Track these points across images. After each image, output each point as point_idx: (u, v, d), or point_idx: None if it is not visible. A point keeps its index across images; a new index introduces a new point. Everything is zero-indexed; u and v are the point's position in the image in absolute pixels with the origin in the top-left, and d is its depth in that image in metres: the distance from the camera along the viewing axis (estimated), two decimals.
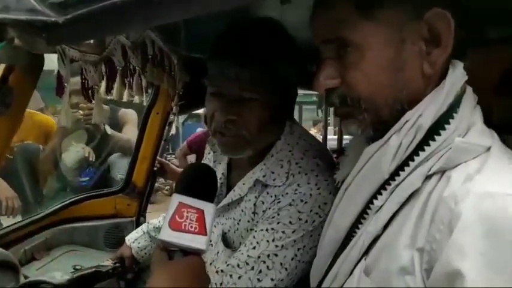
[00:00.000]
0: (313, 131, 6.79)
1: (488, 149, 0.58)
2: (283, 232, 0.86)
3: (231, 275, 0.86)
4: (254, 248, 0.87)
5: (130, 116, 2.75)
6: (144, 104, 1.68)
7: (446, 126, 0.58)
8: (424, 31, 0.59)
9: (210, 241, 1.03)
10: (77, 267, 1.38)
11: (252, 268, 0.85)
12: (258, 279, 0.85)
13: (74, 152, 2.50)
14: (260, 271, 0.85)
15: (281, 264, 0.85)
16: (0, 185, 2.17)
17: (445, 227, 0.51)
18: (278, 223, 0.87)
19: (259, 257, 0.86)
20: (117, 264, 1.38)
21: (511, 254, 0.47)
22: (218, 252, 1.02)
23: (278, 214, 0.88)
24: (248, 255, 0.87)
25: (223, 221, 1.04)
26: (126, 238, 1.48)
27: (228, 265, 0.88)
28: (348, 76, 0.63)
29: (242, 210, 0.98)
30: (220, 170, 1.10)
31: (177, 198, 0.70)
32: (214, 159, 1.14)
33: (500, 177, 0.53)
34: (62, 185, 2.67)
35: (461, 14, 0.60)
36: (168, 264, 0.68)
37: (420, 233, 0.54)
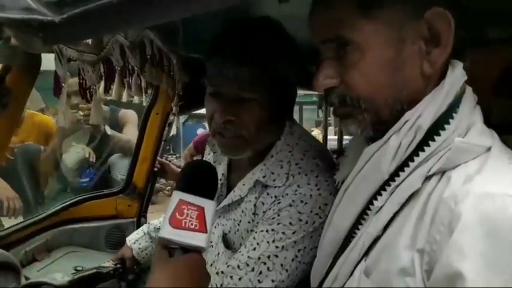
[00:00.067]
0: (316, 132, 6.80)
1: (489, 149, 0.57)
2: (283, 233, 0.86)
3: (231, 276, 0.86)
4: (254, 249, 0.87)
5: (130, 116, 2.75)
6: (144, 104, 1.67)
7: (446, 126, 0.58)
8: (424, 30, 0.59)
9: (211, 242, 1.03)
10: (78, 268, 1.39)
11: (253, 269, 0.85)
12: (259, 281, 0.84)
13: (75, 152, 2.51)
14: (260, 272, 0.85)
15: (281, 265, 0.85)
16: (1, 186, 2.17)
17: (445, 228, 0.51)
18: (278, 224, 0.87)
19: (259, 258, 0.85)
20: (118, 265, 1.38)
21: (511, 254, 0.46)
22: (218, 253, 1.02)
23: (278, 215, 0.88)
24: (248, 257, 0.86)
25: (224, 222, 1.03)
26: (127, 239, 1.48)
27: (228, 266, 0.87)
28: (347, 76, 0.62)
29: (242, 211, 0.98)
30: (220, 171, 1.09)
31: (178, 196, 0.69)
32: (214, 160, 1.14)
33: (500, 178, 0.53)
34: (63, 186, 2.68)
35: (461, 14, 0.60)
36: (168, 261, 0.67)
37: (420, 233, 0.54)
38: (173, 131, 1.97)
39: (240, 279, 0.85)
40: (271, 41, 0.90)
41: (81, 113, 2.35)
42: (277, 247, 0.85)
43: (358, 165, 0.65)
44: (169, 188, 5.74)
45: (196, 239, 0.67)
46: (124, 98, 1.19)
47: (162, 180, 5.24)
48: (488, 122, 0.62)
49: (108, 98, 1.19)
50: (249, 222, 0.96)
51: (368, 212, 0.63)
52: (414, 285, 0.53)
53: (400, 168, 0.59)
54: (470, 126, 0.59)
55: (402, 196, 0.58)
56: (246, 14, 1.01)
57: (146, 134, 1.79)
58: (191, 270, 0.66)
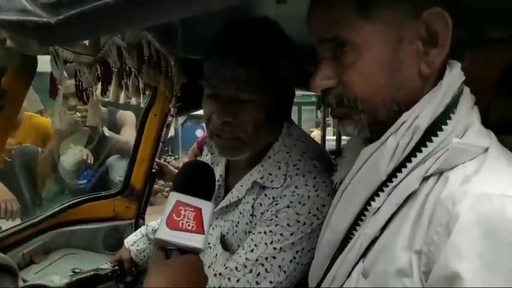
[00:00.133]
0: (315, 132, 6.79)
1: (486, 149, 0.57)
2: (281, 234, 0.86)
3: (229, 278, 0.85)
4: (252, 250, 0.86)
5: (128, 117, 2.75)
6: (142, 105, 1.67)
7: (443, 127, 0.58)
8: (421, 30, 0.59)
9: (209, 243, 1.03)
10: (76, 270, 1.38)
11: (251, 271, 0.85)
12: (257, 282, 0.84)
13: (72, 154, 2.51)
14: (258, 274, 0.84)
15: (279, 266, 0.85)
16: None
17: (443, 229, 0.51)
18: (276, 225, 0.87)
19: (257, 259, 0.85)
20: (116, 267, 1.37)
21: (509, 255, 0.46)
22: (216, 255, 1.02)
23: (276, 216, 0.88)
24: (246, 258, 0.86)
25: (222, 223, 1.03)
26: (125, 241, 1.47)
27: (226, 268, 0.87)
28: (344, 76, 0.62)
29: (240, 213, 0.98)
30: (218, 172, 1.09)
31: (175, 197, 0.69)
32: (212, 161, 1.14)
33: (497, 178, 0.53)
34: (61, 188, 2.68)
35: (460, 14, 0.60)
36: (165, 263, 0.67)
37: (418, 234, 0.54)
38: (171, 132, 1.97)
39: (238, 281, 0.84)
40: (269, 42, 0.90)
41: (79, 115, 2.35)
42: (275, 248, 0.85)
43: (356, 166, 0.65)
44: (167, 189, 5.73)
45: (193, 240, 0.66)
46: (121, 100, 1.19)
47: (161, 182, 5.24)
48: (486, 122, 0.62)
49: (106, 99, 1.19)
50: (246, 223, 0.96)
51: (366, 212, 0.63)
52: (412, 286, 0.53)
53: (398, 169, 0.59)
54: (467, 127, 0.59)
55: (400, 197, 0.58)
56: (244, 14, 1.01)
57: (144, 135, 1.78)
58: (188, 271, 0.66)
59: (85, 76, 1.01)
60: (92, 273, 1.28)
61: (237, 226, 0.98)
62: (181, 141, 9.22)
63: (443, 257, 0.49)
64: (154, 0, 0.48)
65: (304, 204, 0.87)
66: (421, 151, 0.58)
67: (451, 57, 0.61)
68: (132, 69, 1.14)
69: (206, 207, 0.69)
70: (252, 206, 0.95)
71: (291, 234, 0.86)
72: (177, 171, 2.06)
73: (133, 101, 1.27)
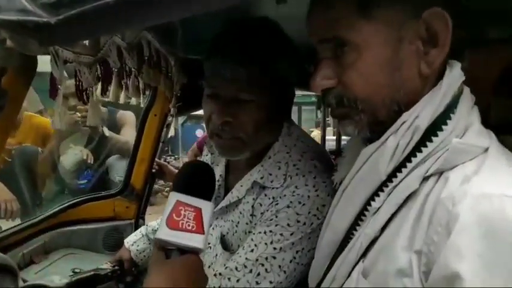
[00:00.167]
0: (316, 132, 6.79)
1: (486, 149, 0.57)
2: (281, 234, 0.86)
3: (229, 278, 0.85)
4: (252, 250, 0.86)
5: (128, 117, 2.75)
6: (142, 105, 1.67)
7: (443, 127, 0.58)
8: (421, 30, 0.59)
9: (209, 243, 1.03)
10: (76, 270, 1.38)
11: (251, 271, 0.85)
12: (257, 282, 0.84)
13: (72, 154, 2.51)
14: (258, 274, 0.84)
15: (279, 266, 0.85)
16: None
17: (443, 229, 0.51)
18: (276, 225, 0.87)
19: (257, 259, 0.85)
20: (116, 267, 1.37)
21: (509, 255, 0.46)
22: (216, 255, 1.02)
23: (276, 216, 0.88)
24: (246, 258, 0.86)
25: (222, 223, 1.03)
26: (125, 241, 1.47)
27: (226, 268, 0.87)
28: (344, 76, 0.62)
29: (240, 213, 0.98)
30: (218, 172, 1.09)
31: (175, 197, 0.69)
32: (212, 161, 1.14)
33: (497, 178, 0.53)
34: (61, 188, 2.68)
35: (460, 14, 0.60)
36: (165, 263, 0.67)
37: (418, 234, 0.54)
38: (171, 132, 1.97)
39: (238, 281, 0.84)
40: (269, 42, 0.90)
41: (79, 115, 2.35)
42: (275, 248, 0.85)
43: (356, 166, 0.65)
44: (168, 189, 5.73)
45: (193, 240, 0.66)
46: (121, 100, 1.19)
47: (161, 182, 5.24)
48: (487, 123, 0.62)
49: (106, 99, 1.19)
50: (246, 223, 0.96)
51: (366, 213, 0.63)
52: (412, 286, 0.53)
53: (398, 169, 0.59)
54: (467, 127, 0.59)
55: (400, 197, 0.58)
56: (244, 14, 1.01)
57: (144, 135, 1.78)
58: (188, 271, 0.66)
59: (85, 76, 1.00)
60: (92, 273, 1.28)
61: (237, 226, 0.98)
62: (181, 141, 9.22)
63: (443, 257, 0.49)
64: (154, 0, 0.48)
65: (304, 204, 0.87)
66: (421, 151, 0.58)
67: (451, 57, 0.61)
68: (132, 69, 1.14)
69: (206, 207, 0.69)
70: (252, 206, 0.95)
71: (291, 234, 0.85)
72: (177, 171, 2.06)
73: (133, 101, 1.27)
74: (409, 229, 0.56)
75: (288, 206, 0.87)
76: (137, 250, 1.42)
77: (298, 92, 1.18)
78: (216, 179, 1.05)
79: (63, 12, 0.49)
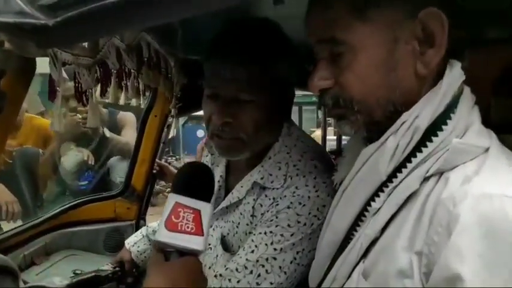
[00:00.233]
0: (317, 132, 6.78)
1: (487, 149, 0.57)
2: (281, 235, 0.85)
3: (229, 279, 0.85)
4: (253, 251, 0.86)
5: (129, 118, 2.75)
6: (142, 106, 1.67)
7: (443, 127, 0.57)
8: (417, 30, 0.59)
9: (209, 244, 1.03)
10: (77, 271, 1.38)
11: (251, 272, 0.84)
12: (257, 283, 0.84)
13: (73, 155, 2.51)
14: (259, 275, 0.84)
15: (280, 267, 0.85)
16: (0, 190, 2.17)
17: (444, 229, 0.51)
18: (277, 226, 0.86)
19: (257, 260, 0.85)
20: (117, 268, 1.37)
21: (509, 255, 0.46)
22: (217, 256, 1.02)
23: (276, 217, 0.87)
24: (247, 259, 0.86)
25: (222, 224, 1.03)
26: (126, 242, 1.47)
27: (226, 269, 0.87)
28: (340, 77, 0.62)
29: (241, 213, 0.98)
30: (218, 173, 1.09)
31: (174, 198, 0.69)
32: (212, 162, 1.14)
33: (498, 178, 0.52)
34: (62, 189, 2.68)
35: (457, 14, 0.60)
36: (164, 265, 0.67)
37: (418, 235, 0.54)
38: (172, 133, 1.97)
39: (238, 282, 0.84)
40: (269, 42, 0.90)
41: (80, 116, 2.35)
42: (275, 249, 0.85)
43: (356, 166, 0.65)
44: (168, 190, 5.72)
45: (192, 242, 0.66)
46: (121, 101, 1.19)
47: (162, 182, 5.23)
48: (487, 122, 0.62)
49: (106, 100, 1.19)
50: (247, 224, 0.95)
51: (366, 213, 0.63)
52: (412, 287, 0.53)
53: (398, 169, 0.59)
54: (468, 127, 0.59)
55: (400, 197, 0.58)
56: (244, 14, 1.01)
57: (145, 136, 1.78)
58: (187, 273, 0.66)
59: (84, 78, 1.00)
60: (93, 274, 1.28)
61: (237, 227, 0.98)
62: (182, 142, 9.23)
63: (444, 258, 0.49)
64: (154, 0, 0.48)
65: (304, 205, 0.87)
66: (421, 151, 0.57)
67: (451, 57, 0.61)
68: (132, 70, 1.14)
69: (205, 208, 0.69)
70: (253, 207, 0.94)
71: (292, 235, 0.85)
72: None
73: (133, 102, 1.27)
74: (410, 230, 0.55)
75: (289, 207, 0.87)
76: (138, 251, 1.42)
77: (298, 92, 1.18)
78: (217, 180, 1.05)
79: (60, 14, 0.49)
